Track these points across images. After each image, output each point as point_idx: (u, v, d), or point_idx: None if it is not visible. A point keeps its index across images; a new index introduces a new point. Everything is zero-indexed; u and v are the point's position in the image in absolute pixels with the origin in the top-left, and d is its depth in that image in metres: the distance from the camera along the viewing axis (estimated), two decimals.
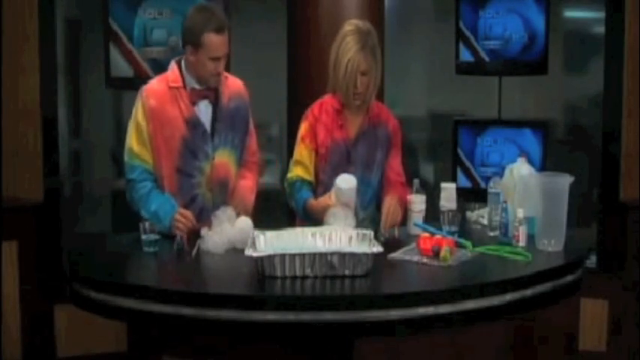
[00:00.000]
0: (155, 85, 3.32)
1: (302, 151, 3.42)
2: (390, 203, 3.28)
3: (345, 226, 3.06)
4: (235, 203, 3.32)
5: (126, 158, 3.32)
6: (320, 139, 3.39)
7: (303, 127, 3.44)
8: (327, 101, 3.44)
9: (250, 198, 3.44)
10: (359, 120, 3.43)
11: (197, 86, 3.29)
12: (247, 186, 3.45)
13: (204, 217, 3.25)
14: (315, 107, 3.44)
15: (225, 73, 3.40)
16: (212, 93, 3.32)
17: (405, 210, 3.33)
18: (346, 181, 3.20)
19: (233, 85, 3.41)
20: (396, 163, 3.49)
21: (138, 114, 3.29)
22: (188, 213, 3.19)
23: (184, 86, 3.28)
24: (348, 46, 3.30)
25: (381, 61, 3.40)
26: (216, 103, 3.32)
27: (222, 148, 3.34)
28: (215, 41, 3.18)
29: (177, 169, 3.29)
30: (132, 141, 3.29)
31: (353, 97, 3.34)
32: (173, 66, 3.33)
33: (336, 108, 3.40)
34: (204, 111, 3.31)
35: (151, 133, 3.26)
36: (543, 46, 4.31)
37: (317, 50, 4.02)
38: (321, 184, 3.42)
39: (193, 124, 3.28)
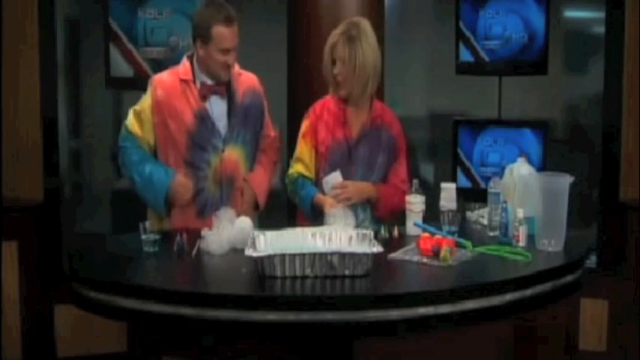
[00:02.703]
0: (165, 76, 3.37)
1: (302, 149, 3.43)
2: (370, 189, 3.34)
3: (345, 226, 3.07)
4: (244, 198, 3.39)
5: (121, 130, 3.39)
6: (320, 137, 3.39)
7: (305, 125, 3.44)
8: (329, 100, 3.46)
9: (260, 187, 3.48)
10: (361, 120, 3.44)
11: (208, 81, 3.32)
12: (257, 178, 3.48)
13: (208, 210, 3.28)
14: (317, 105, 3.46)
15: (240, 70, 3.44)
16: (222, 88, 3.35)
17: (403, 210, 3.34)
18: (330, 177, 3.32)
19: (247, 81, 3.45)
20: (402, 170, 3.49)
21: (145, 102, 3.36)
22: (187, 182, 3.26)
23: (194, 80, 3.31)
24: (332, 33, 3.39)
25: (372, 58, 3.38)
26: (230, 99, 3.35)
27: (234, 144, 3.37)
28: (224, 32, 3.23)
29: (185, 161, 3.32)
30: (131, 120, 3.37)
31: (334, 85, 3.38)
32: (184, 60, 3.38)
33: (338, 107, 3.42)
34: (215, 106, 3.34)
35: (156, 123, 3.30)
36: (543, 46, 4.31)
37: (317, 50, 4.01)
38: (318, 179, 3.43)
39: (202, 117, 3.31)
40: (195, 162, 3.33)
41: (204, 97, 3.32)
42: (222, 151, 3.35)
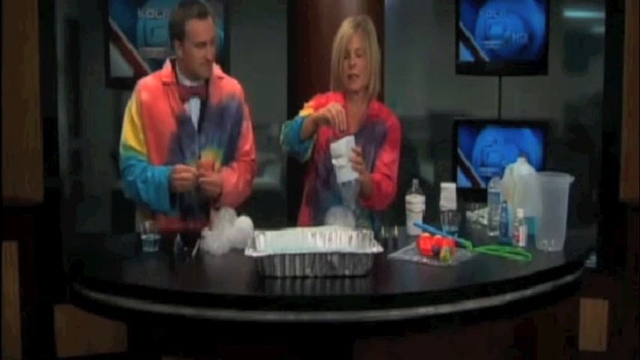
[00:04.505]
0: (149, 80, 3.37)
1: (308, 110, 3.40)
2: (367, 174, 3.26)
3: (344, 225, 3.07)
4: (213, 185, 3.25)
5: (120, 150, 3.34)
6: (321, 128, 3.36)
7: (310, 105, 3.42)
8: (331, 96, 3.44)
9: (228, 182, 3.30)
10: (359, 116, 3.44)
11: (188, 83, 3.31)
12: (226, 173, 3.33)
13: (190, 215, 3.27)
14: (321, 97, 3.44)
15: (222, 74, 3.42)
16: (203, 90, 3.33)
17: (393, 199, 3.35)
18: (344, 140, 3.19)
19: (227, 86, 3.41)
20: (387, 157, 3.44)
21: (132, 107, 3.33)
22: (186, 167, 3.20)
23: (176, 83, 3.31)
24: (342, 29, 3.39)
25: (379, 54, 3.42)
26: (204, 102, 3.33)
27: (209, 147, 3.34)
28: (197, 26, 3.22)
29: (167, 165, 3.29)
30: (126, 134, 3.32)
31: (348, 79, 3.35)
32: (167, 63, 3.37)
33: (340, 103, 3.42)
34: (194, 109, 3.33)
35: (143, 127, 3.28)
36: (543, 46, 4.31)
37: (317, 50, 4.02)
38: (319, 178, 3.43)
39: (182, 121, 3.30)
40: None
41: (183, 100, 3.30)
42: (199, 157, 3.31)
